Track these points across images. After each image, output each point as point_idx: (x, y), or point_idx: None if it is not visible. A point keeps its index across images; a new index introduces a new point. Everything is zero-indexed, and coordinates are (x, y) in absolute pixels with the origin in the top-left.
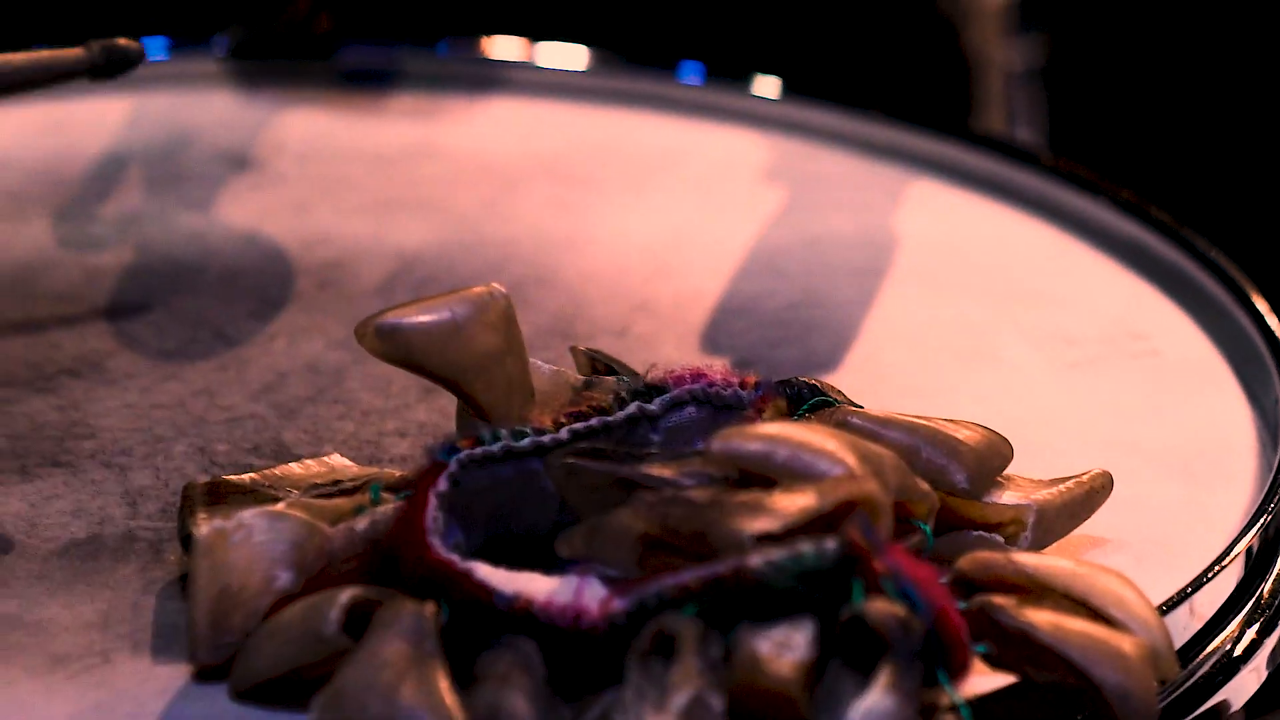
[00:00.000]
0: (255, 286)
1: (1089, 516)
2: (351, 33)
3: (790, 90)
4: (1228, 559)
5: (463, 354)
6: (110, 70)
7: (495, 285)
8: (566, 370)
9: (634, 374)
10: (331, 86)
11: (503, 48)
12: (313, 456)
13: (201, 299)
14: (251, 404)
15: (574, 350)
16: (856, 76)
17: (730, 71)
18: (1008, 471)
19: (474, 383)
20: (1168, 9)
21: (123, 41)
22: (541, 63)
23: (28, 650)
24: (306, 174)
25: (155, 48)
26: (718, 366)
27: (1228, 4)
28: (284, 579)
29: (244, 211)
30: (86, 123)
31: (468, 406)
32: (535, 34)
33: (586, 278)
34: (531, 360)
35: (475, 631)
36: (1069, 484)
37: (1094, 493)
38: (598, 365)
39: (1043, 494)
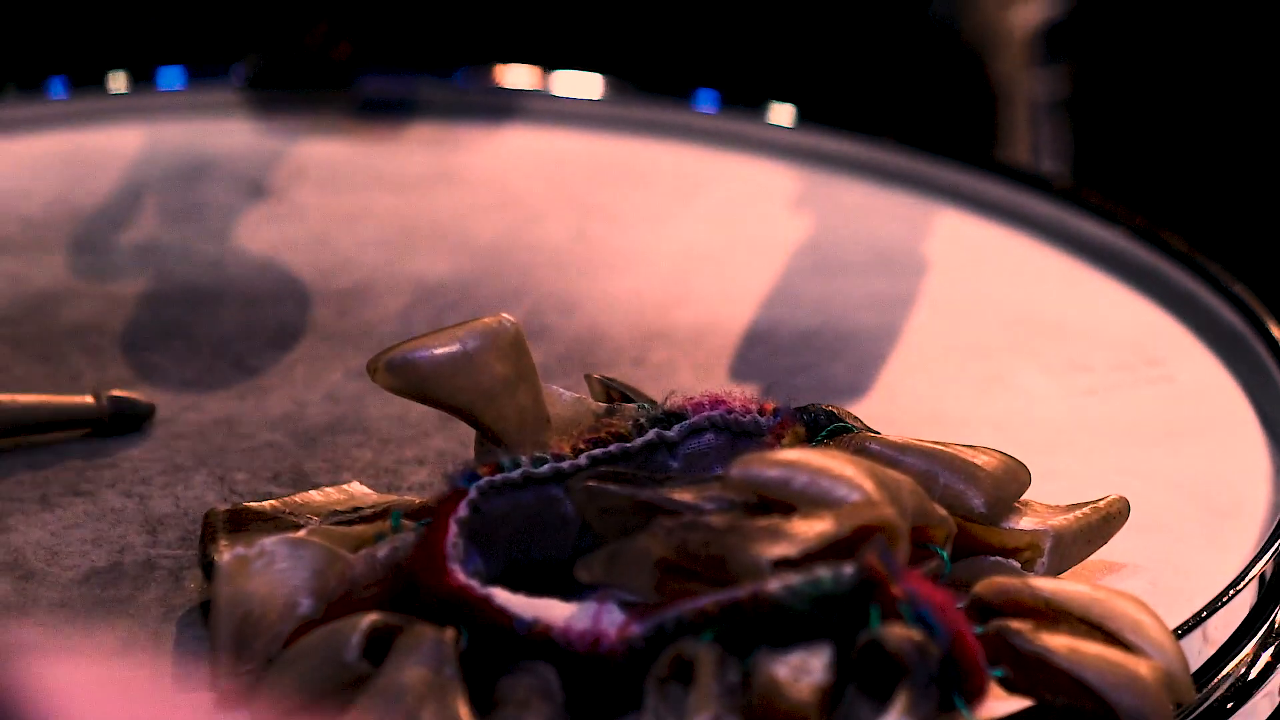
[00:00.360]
0: (274, 315)
1: (1105, 542)
2: (369, 61)
3: (808, 118)
4: (1241, 584)
5: (474, 385)
6: (116, 426)
7: (504, 315)
8: (587, 398)
9: (650, 401)
10: (350, 115)
11: (519, 76)
12: (332, 484)
13: (221, 328)
14: (270, 433)
15: (589, 378)
16: (882, 105)
17: (749, 100)
18: (1025, 497)
19: (487, 412)
20: (1191, 40)
21: (131, 396)
22: (558, 91)
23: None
24: (325, 203)
25: (173, 77)
26: (736, 394)
27: (1251, 36)
28: (306, 605)
29: (263, 240)
30: (105, 152)
31: (484, 435)
32: (551, 63)
33: (604, 305)
34: (552, 388)
35: (495, 657)
36: (1086, 509)
37: (1110, 518)
38: (612, 393)
39: (1059, 519)
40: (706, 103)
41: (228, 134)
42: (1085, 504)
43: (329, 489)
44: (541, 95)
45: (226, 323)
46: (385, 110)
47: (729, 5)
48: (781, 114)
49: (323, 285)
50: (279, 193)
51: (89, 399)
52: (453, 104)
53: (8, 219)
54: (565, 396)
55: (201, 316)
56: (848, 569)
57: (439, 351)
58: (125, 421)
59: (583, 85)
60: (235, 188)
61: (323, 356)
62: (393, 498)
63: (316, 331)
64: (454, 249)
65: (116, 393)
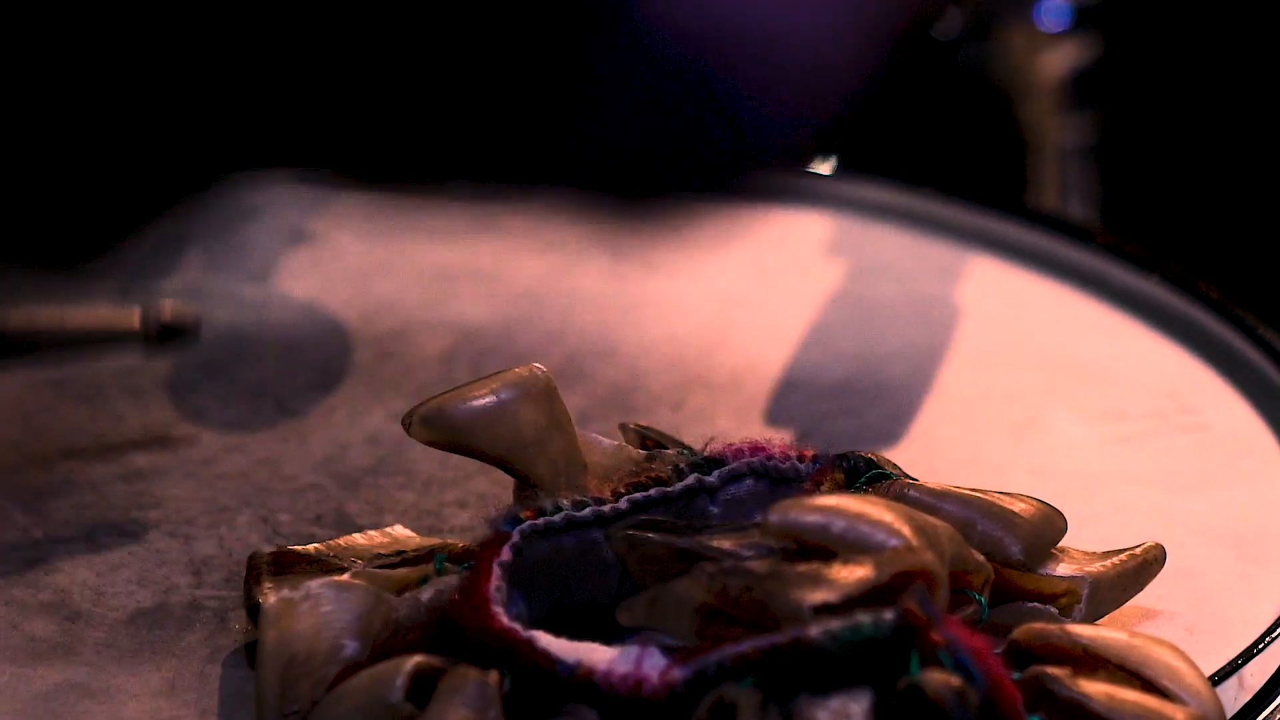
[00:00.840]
0: (316, 358)
1: (1142, 589)
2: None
3: (846, 167)
4: (1277, 631)
5: (509, 435)
6: (162, 341)
7: (536, 365)
8: (627, 445)
9: (686, 448)
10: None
11: None
12: (374, 526)
13: (263, 370)
14: (313, 474)
15: (623, 427)
16: (912, 153)
17: None
18: (1062, 544)
19: (523, 461)
20: (1221, 87)
21: (178, 314)
22: None
23: (96, 717)
24: (366, 248)
25: None
26: (776, 440)
27: None
28: (350, 648)
29: (304, 284)
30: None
31: (522, 482)
32: None
33: (643, 350)
34: (592, 436)
35: (538, 699)
36: (1122, 556)
37: (1147, 565)
38: (647, 441)
39: (1096, 566)
40: None
41: (271, 179)
42: (1122, 550)
43: (372, 532)
44: None
45: (268, 364)
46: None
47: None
48: (822, 163)
49: (363, 329)
50: (320, 238)
51: (134, 316)
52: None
53: None
54: (605, 444)
55: (244, 359)
56: (888, 615)
57: (473, 403)
58: (171, 334)
59: None
60: (277, 233)
61: (364, 399)
62: (435, 541)
63: (358, 374)
64: (493, 293)
65: (165, 308)
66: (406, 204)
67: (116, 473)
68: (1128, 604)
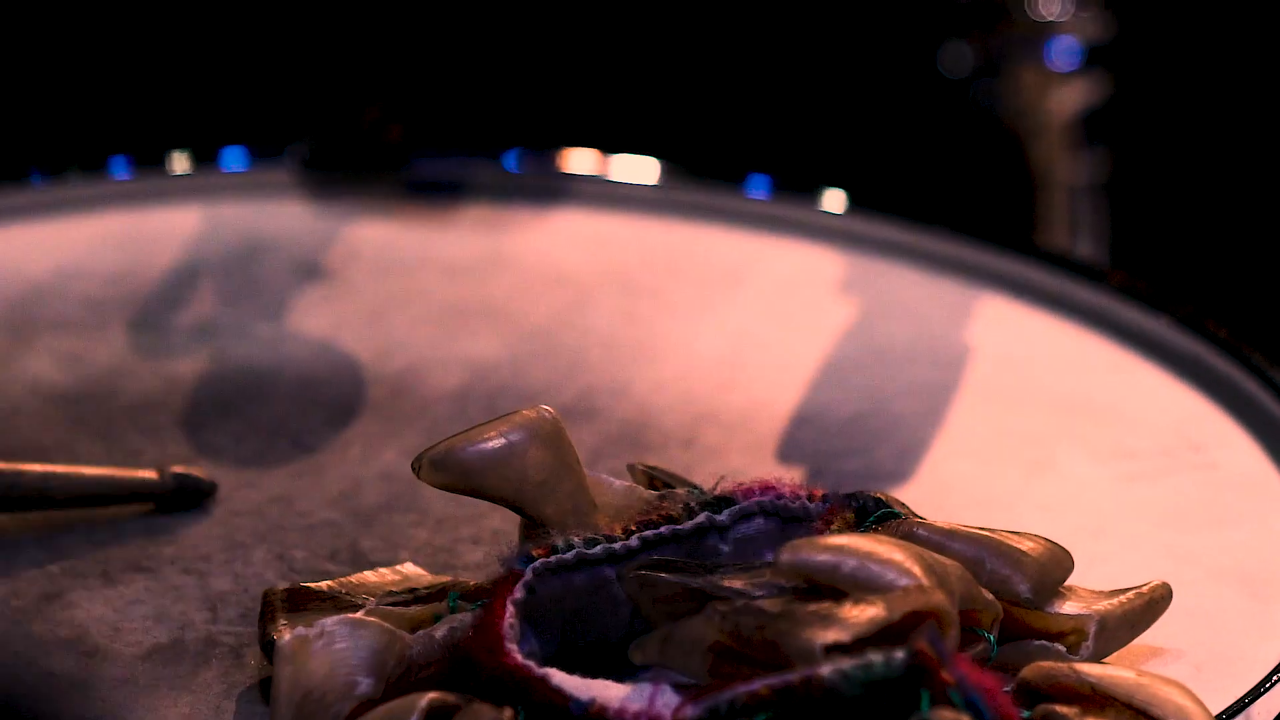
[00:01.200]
0: (330, 395)
1: (1149, 627)
2: (421, 144)
3: (856, 204)
4: None
5: (518, 476)
6: (178, 502)
7: (544, 407)
8: (638, 485)
9: (695, 487)
10: (403, 197)
11: (574, 161)
12: (388, 562)
13: (277, 407)
14: (328, 511)
15: (632, 468)
16: (923, 191)
17: (798, 185)
18: (1069, 582)
19: (532, 502)
20: (1230, 127)
21: (196, 473)
22: (612, 176)
23: None
24: (378, 283)
25: (235, 157)
26: (786, 479)
27: None
28: (365, 685)
29: (317, 321)
30: (162, 232)
31: (531, 522)
32: (603, 146)
33: (655, 388)
34: (602, 477)
35: None
36: (1129, 594)
37: (1154, 603)
38: (655, 481)
39: (1104, 604)
40: (758, 188)
41: (283, 214)
42: (1129, 589)
43: (383, 569)
44: (593, 179)
45: (283, 401)
46: (437, 192)
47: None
48: (831, 199)
49: (377, 365)
50: (333, 273)
51: (153, 474)
52: (504, 186)
53: (68, 298)
54: (616, 485)
55: (258, 395)
56: (899, 654)
57: (481, 446)
58: (187, 497)
59: (637, 170)
60: (290, 268)
61: (378, 435)
62: (446, 579)
63: (371, 411)
64: (505, 330)
65: (180, 468)
66: (419, 238)
67: (132, 510)
68: (1136, 642)
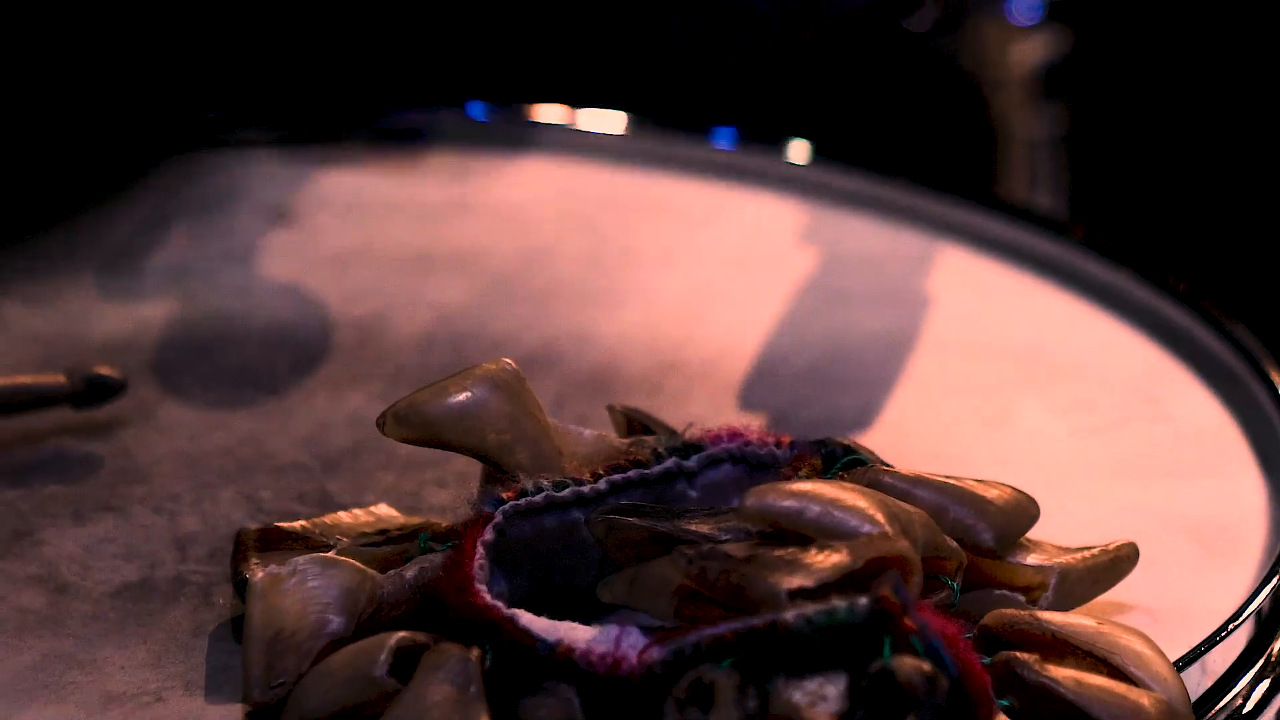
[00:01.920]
0: (298, 339)
1: (1113, 585)
2: (391, 99)
3: (820, 155)
4: (1240, 619)
5: (481, 429)
6: (90, 399)
7: (505, 359)
8: (608, 434)
9: (672, 432)
10: (370, 145)
11: (542, 113)
12: (355, 505)
13: (246, 351)
14: (295, 454)
15: (611, 409)
16: (885, 142)
17: (762, 136)
18: (1037, 537)
19: (497, 452)
20: (1190, 79)
21: (104, 371)
22: (578, 125)
23: (83, 688)
24: (346, 230)
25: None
26: (754, 426)
27: (1249, 75)
28: (336, 624)
29: (286, 266)
30: (134, 177)
31: (497, 469)
32: (570, 99)
33: (620, 335)
34: (571, 427)
35: (518, 676)
36: (1095, 550)
37: (1119, 561)
38: (634, 423)
39: (1067, 558)
40: (724, 139)
41: (251, 161)
42: (1095, 546)
43: (357, 510)
44: (559, 128)
45: (251, 346)
46: (404, 141)
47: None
48: (796, 150)
49: (344, 310)
50: (301, 220)
51: (60, 377)
52: (471, 135)
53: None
54: (584, 434)
55: (227, 340)
56: (862, 600)
57: (444, 400)
58: (98, 395)
59: (604, 120)
60: (259, 214)
61: (344, 380)
62: (418, 520)
63: (338, 355)
64: (472, 278)
65: (92, 369)
66: (387, 185)
67: (102, 449)
68: None
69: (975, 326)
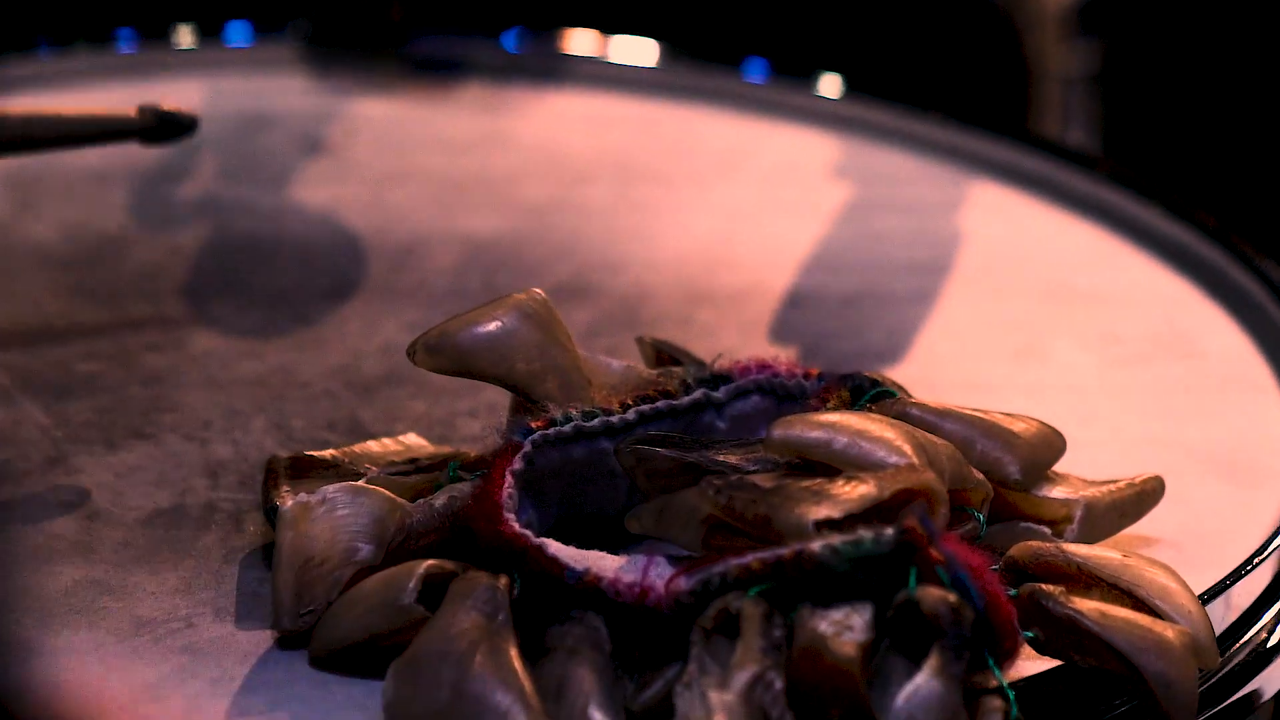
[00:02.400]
0: (330, 268)
1: (1139, 518)
2: (424, 23)
3: (853, 89)
4: (1265, 553)
5: (510, 358)
6: (162, 135)
7: (534, 289)
8: (637, 365)
9: (700, 363)
10: (403, 75)
11: (575, 41)
12: (386, 434)
13: (279, 279)
14: (328, 382)
15: (640, 340)
16: (919, 77)
17: (795, 70)
18: (1063, 470)
19: (526, 381)
20: (1223, 16)
21: (176, 108)
22: (611, 57)
23: (114, 614)
24: (379, 159)
25: (240, 32)
26: (783, 358)
27: None
28: (365, 551)
29: (319, 195)
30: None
31: (527, 400)
32: (603, 27)
33: (651, 267)
34: (599, 356)
35: (546, 605)
36: (1121, 484)
37: (1145, 495)
38: (663, 355)
39: (1092, 491)
40: (756, 72)
41: (286, 90)
42: (1121, 480)
43: (386, 440)
44: (592, 60)
45: (284, 274)
46: (438, 70)
47: None
48: (828, 84)
49: (377, 241)
50: (335, 149)
51: (132, 111)
52: (505, 66)
53: (73, 169)
54: (613, 365)
55: (260, 267)
56: (889, 531)
57: (474, 329)
58: (170, 130)
59: (636, 51)
60: (293, 143)
61: (377, 310)
62: (448, 449)
63: (371, 285)
64: (504, 208)
65: (162, 105)
66: (419, 115)
67: (135, 377)
68: None
69: (1006, 260)
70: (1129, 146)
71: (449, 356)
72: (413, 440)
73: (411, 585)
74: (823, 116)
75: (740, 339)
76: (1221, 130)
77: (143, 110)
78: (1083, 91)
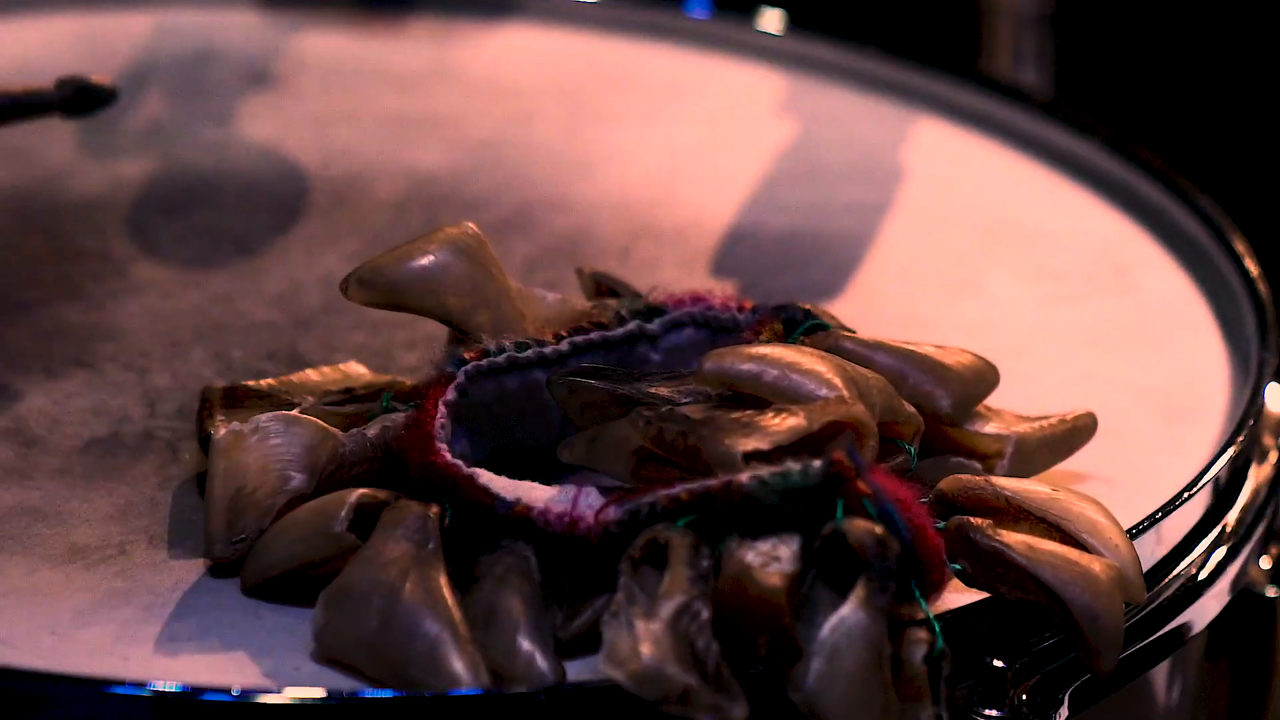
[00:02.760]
0: (273, 200)
1: (1070, 454)
2: None
3: (796, 25)
4: (1196, 488)
5: (443, 291)
6: (82, 107)
7: (467, 223)
8: (571, 298)
9: (636, 295)
10: (350, 8)
11: None
12: (326, 364)
13: (221, 210)
14: (267, 312)
15: (579, 272)
16: (866, 13)
17: (738, 4)
18: (996, 405)
19: (459, 315)
20: None
21: (95, 79)
22: None
23: (48, 541)
24: (325, 92)
25: None
26: (717, 291)
27: None
28: (297, 480)
29: (264, 127)
30: (113, 35)
31: (460, 333)
32: None
33: (593, 202)
34: (535, 290)
35: (477, 534)
36: (1053, 419)
37: (1077, 431)
38: (602, 287)
39: (1024, 426)
40: (698, 7)
41: (232, 21)
42: (1053, 415)
43: (326, 368)
44: None
45: (227, 205)
46: (385, 4)
47: None
48: (771, 20)
49: (321, 172)
50: (281, 81)
51: (51, 87)
52: (452, 1)
53: None
54: (549, 297)
55: (203, 198)
56: (816, 463)
57: (407, 264)
58: (88, 101)
59: None
60: (238, 74)
61: (319, 240)
62: (386, 378)
63: (314, 216)
64: (448, 142)
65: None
66: (367, 48)
67: (76, 306)
68: None
69: (947, 197)
70: (1082, 87)
71: (381, 291)
72: (353, 368)
73: (343, 514)
74: (765, 51)
75: (681, 274)
76: (1175, 71)
77: (61, 83)
78: (1035, 31)
